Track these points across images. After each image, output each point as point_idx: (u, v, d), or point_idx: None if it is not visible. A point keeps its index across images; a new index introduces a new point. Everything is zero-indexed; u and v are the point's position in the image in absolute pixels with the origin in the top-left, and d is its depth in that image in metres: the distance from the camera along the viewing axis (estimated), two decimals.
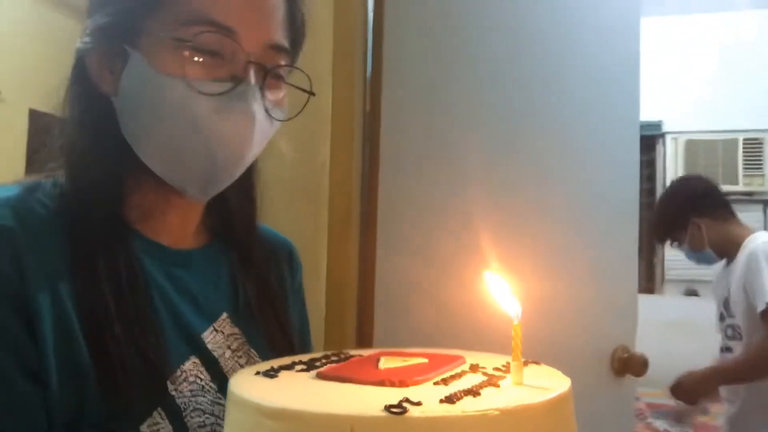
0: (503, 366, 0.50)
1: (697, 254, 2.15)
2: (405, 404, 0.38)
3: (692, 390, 2.00)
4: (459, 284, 1.20)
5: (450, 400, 0.40)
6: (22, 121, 2.15)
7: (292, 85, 0.66)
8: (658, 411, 2.77)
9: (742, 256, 2.02)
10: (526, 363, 0.50)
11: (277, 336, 0.69)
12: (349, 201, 1.06)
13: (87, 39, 0.62)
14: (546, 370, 0.50)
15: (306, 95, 0.66)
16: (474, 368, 0.50)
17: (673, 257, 3.48)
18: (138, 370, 0.55)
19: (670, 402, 2.82)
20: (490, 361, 0.51)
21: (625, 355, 1.60)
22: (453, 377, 0.47)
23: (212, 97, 0.58)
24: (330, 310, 1.05)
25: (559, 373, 0.49)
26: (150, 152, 0.61)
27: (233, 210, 0.72)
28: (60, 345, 0.54)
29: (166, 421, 0.57)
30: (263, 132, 0.62)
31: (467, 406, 0.39)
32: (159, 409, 0.57)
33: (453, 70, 1.26)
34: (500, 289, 0.48)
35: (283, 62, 0.63)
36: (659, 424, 2.67)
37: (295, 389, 0.45)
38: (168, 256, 0.65)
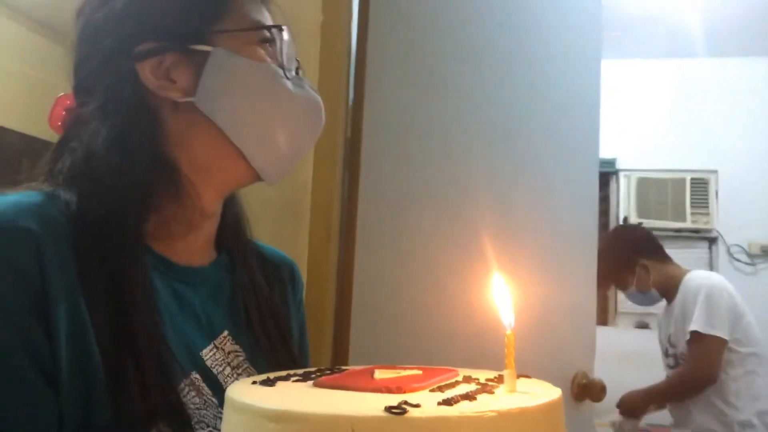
0: (495, 377, 0.52)
1: (642, 296, 2.33)
2: (404, 405, 0.39)
3: (634, 405, 2.23)
4: (438, 305, 1.23)
5: (448, 402, 0.41)
6: None
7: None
8: None
9: (680, 294, 2.24)
10: (517, 376, 0.51)
11: (280, 352, 0.70)
12: (330, 221, 1.09)
13: (138, 52, 0.63)
14: (537, 382, 0.52)
15: None
16: (467, 379, 0.51)
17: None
18: (146, 382, 0.56)
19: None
20: (482, 375, 0.53)
21: (584, 381, 1.66)
22: (448, 386, 0.48)
23: (290, 78, 0.67)
24: (308, 326, 1.06)
25: (549, 384, 0.51)
26: (244, 135, 0.65)
27: (231, 225, 0.74)
28: (73, 349, 0.54)
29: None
30: None
31: (465, 408, 0.40)
32: (164, 420, 0.57)
33: (428, 98, 1.32)
34: (501, 297, 0.50)
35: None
36: None
37: (295, 395, 0.46)
38: (175, 273, 0.66)
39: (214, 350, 0.66)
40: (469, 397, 0.43)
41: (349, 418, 0.38)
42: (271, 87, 0.66)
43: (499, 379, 0.51)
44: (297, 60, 0.70)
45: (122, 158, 0.61)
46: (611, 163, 3.69)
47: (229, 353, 0.67)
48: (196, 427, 0.60)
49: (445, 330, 1.21)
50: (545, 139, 1.63)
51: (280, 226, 1.08)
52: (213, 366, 0.65)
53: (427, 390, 0.46)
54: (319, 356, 1.07)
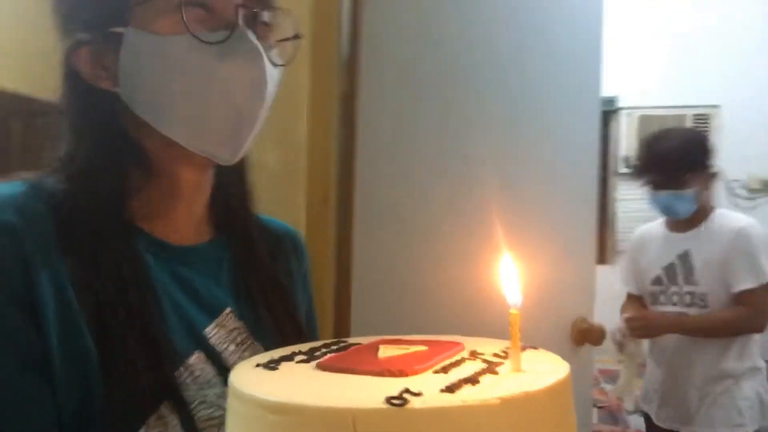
0: (502, 352, 0.50)
1: (684, 203, 2.04)
2: (405, 395, 0.39)
3: (652, 325, 2.08)
4: (435, 267, 1.23)
5: (450, 389, 0.41)
6: None
7: (279, 40, 0.66)
8: (609, 376, 2.91)
9: (718, 233, 2.04)
10: (524, 348, 0.51)
11: (287, 326, 0.69)
12: (327, 183, 1.07)
13: (70, 45, 0.61)
14: (544, 355, 0.51)
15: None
16: (473, 355, 0.50)
17: (625, 229, 3.61)
18: (142, 364, 0.56)
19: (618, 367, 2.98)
20: (488, 347, 0.52)
21: (584, 326, 1.68)
22: (453, 365, 0.47)
23: (216, 45, 0.59)
24: None
25: (558, 357, 0.49)
26: (172, 122, 0.61)
27: (231, 201, 0.72)
28: (64, 340, 0.54)
29: (173, 414, 0.58)
30: (272, 76, 0.62)
31: (467, 395, 0.40)
32: (165, 402, 0.58)
33: (427, 51, 1.27)
34: (509, 275, 0.48)
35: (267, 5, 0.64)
36: (610, 388, 2.81)
37: (296, 382, 0.46)
38: (171, 253, 0.65)
39: (217, 328, 0.65)
40: (472, 380, 0.43)
41: (349, 411, 0.38)
42: (188, 63, 0.59)
43: (506, 354, 0.49)
44: (244, 7, 0.61)
45: (87, 144, 0.61)
46: (612, 101, 3.64)
47: (232, 330, 0.66)
48: (200, 407, 0.60)
49: (447, 294, 1.21)
50: (546, 79, 1.59)
51: (276, 190, 1.06)
52: (216, 344, 0.64)
53: (431, 371, 0.46)
54: (322, 322, 1.08)
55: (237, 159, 0.64)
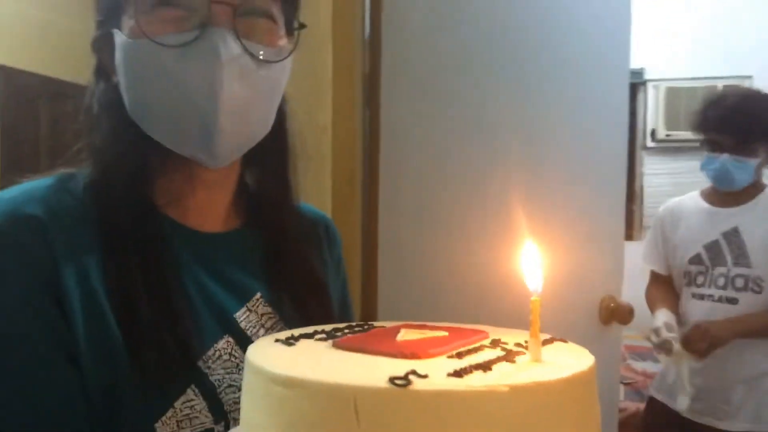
0: (525, 342, 0.47)
1: (743, 172, 1.83)
2: (411, 377, 0.38)
3: (719, 337, 1.76)
4: (462, 247, 1.22)
5: (458, 374, 0.39)
6: None
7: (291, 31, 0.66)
8: (637, 353, 2.89)
9: None
10: (551, 340, 0.49)
11: (317, 312, 0.69)
12: (352, 164, 1.07)
13: (95, 35, 0.64)
14: (571, 348, 0.48)
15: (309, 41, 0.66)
16: (494, 343, 0.48)
17: (652, 204, 3.56)
18: (169, 349, 0.56)
19: (645, 344, 2.92)
20: (513, 337, 0.50)
21: (612, 304, 1.66)
22: (469, 351, 0.45)
23: (179, 48, 0.57)
24: None
25: (585, 351, 0.47)
26: (150, 124, 0.61)
27: (266, 192, 0.71)
28: (90, 327, 0.55)
29: (200, 397, 0.59)
30: (248, 74, 0.60)
31: (475, 381, 0.38)
32: (192, 386, 0.58)
33: (450, 26, 1.25)
34: (531, 262, 0.47)
35: None
36: (638, 365, 2.79)
37: (308, 358, 0.46)
38: (198, 240, 0.66)
39: (248, 313, 0.65)
40: (484, 366, 0.41)
41: (352, 388, 0.38)
42: (150, 67, 0.58)
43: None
44: (217, 3, 0.58)
45: (105, 130, 0.63)
46: (639, 73, 3.55)
47: (262, 315, 0.67)
48: (227, 391, 0.61)
49: (474, 277, 1.20)
50: (574, 53, 1.55)
51: (302, 171, 1.06)
52: (247, 328, 0.64)
53: (445, 356, 0.44)
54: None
55: (223, 163, 0.63)
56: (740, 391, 1.80)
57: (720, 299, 1.85)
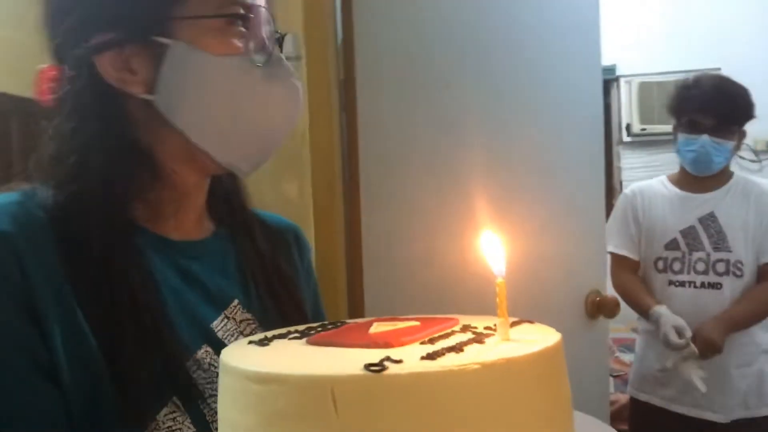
0: (494, 325, 0.48)
1: (720, 155, 1.83)
2: (385, 362, 0.38)
3: (720, 339, 1.74)
4: (445, 243, 1.22)
5: (431, 356, 0.40)
6: None
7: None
8: (624, 345, 2.91)
9: (754, 194, 1.85)
10: (518, 322, 0.51)
11: (293, 316, 0.69)
12: (331, 170, 1.06)
13: (94, 45, 0.59)
14: (538, 328, 0.50)
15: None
16: (465, 328, 0.50)
17: None
18: (149, 362, 0.55)
19: (633, 336, 2.93)
20: (482, 322, 0.51)
21: (598, 298, 1.67)
22: (441, 337, 0.47)
23: (262, 67, 0.61)
24: (320, 279, 1.05)
25: (552, 330, 0.48)
26: (207, 135, 0.61)
27: (227, 196, 0.72)
28: (68, 342, 0.54)
29: (182, 409, 0.58)
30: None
31: (448, 361, 0.39)
32: (174, 398, 0.58)
33: (420, 28, 1.25)
34: (491, 248, 0.48)
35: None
36: (626, 357, 2.81)
37: (283, 355, 0.46)
38: (175, 249, 0.65)
39: (225, 320, 0.65)
40: (456, 348, 0.42)
41: (328, 378, 0.38)
42: (238, 83, 0.61)
43: (497, 327, 0.48)
44: (277, 32, 0.63)
45: (89, 149, 0.59)
46: (611, 69, 3.58)
47: (240, 322, 0.66)
48: (210, 400, 0.60)
49: (458, 273, 1.20)
50: (546, 50, 1.56)
51: (282, 180, 1.05)
52: (224, 337, 0.64)
53: (418, 342, 0.45)
54: (335, 305, 1.07)
55: (253, 172, 0.66)
56: (730, 379, 1.78)
57: (703, 285, 1.84)
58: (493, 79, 1.43)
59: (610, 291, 1.75)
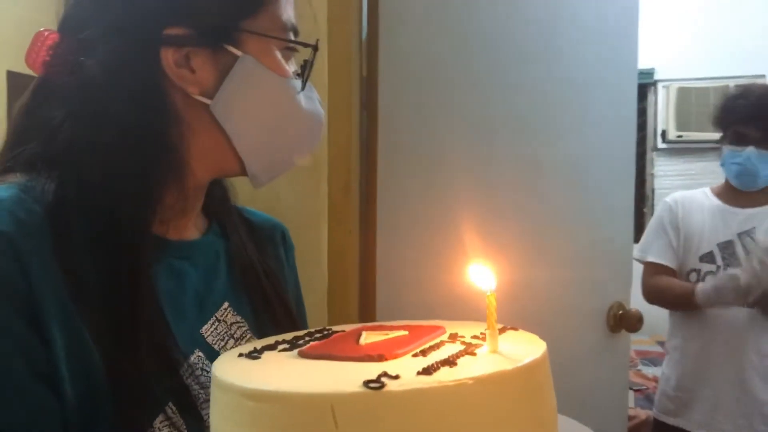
0: (481, 333, 0.51)
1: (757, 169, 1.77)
2: (383, 378, 0.39)
3: None
4: (461, 252, 1.19)
5: (427, 371, 0.41)
6: (1, 83, 2.07)
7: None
8: (648, 358, 2.84)
9: None
10: (503, 329, 0.52)
11: (280, 315, 0.69)
12: (348, 170, 1.04)
13: (162, 37, 0.59)
14: (523, 336, 0.52)
15: None
16: (453, 337, 0.51)
17: None
18: (147, 367, 0.55)
19: (657, 348, 2.85)
20: (469, 330, 0.53)
21: (621, 311, 1.62)
22: (432, 348, 0.48)
23: (301, 92, 0.66)
24: (332, 280, 1.04)
25: (536, 337, 0.50)
26: (249, 144, 0.64)
27: (218, 194, 0.72)
28: (70, 348, 0.53)
29: (178, 415, 0.57)
30: None
31: (443, 376, 0.40)
32: (170, 403, 0.57)
33: (448, 28, 1.22)
34: (478, 268, 0.49)
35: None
36: (648, 371, 2.74)
37: (277, 370, 0.46)
38: (170, 249, 0.64)
39: (216, 323, 0.65)
40: (449, 362, 0.43)
41: (328, 396, 0.38)
42: (287, 104, 0.65)
43: (485, 336, 0.50)
44: (306, 60, 0.67)
45: (128, 144, 0.58)
46: (649, 73, 3.50)
47: (231, 325, 0.66)
48: (204, 406, 0.59)
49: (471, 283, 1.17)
50: (580, 54, 1.51)
51: (298, 178, 1.03)
52: (215, 341, 0.64)
53: (410, 355, 0.46)
54: (346, 310, 1.05)
55: (266, 185, 0.69)
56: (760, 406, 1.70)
57: None
58: (522, 81, 1.38)
59: (633, 303, 1.70)
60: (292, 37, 0.65)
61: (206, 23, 0.60)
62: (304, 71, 0.66)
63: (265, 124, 0.65)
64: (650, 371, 2.71)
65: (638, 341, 2.82)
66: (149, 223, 0.59)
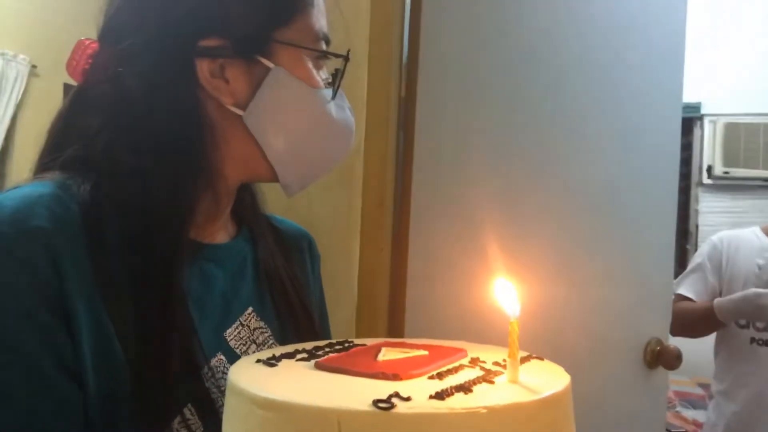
0: (503, 360, 0.49)
1: None
2: (394, 399, 0.38)
3: None
4: (492, 275, 1.17)
5: (440, 396, 0.40)
6: (57, 95, 2.16)
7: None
8: (687, 400, 2.73)
9: None
10: (528, 358, 0.51)
11: (303, 324, 0.70)
12: (383, 187, 1.04)
13: (199, 48, 0.61)
14: (548, 366, 0.50)
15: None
16: (473, 362, 0.50)
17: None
18: (170, 368, 0.55)
19: (698, 391, 2.73)
20: (491, 355, 0.51)
21: (658, 347, 1.57)
22: (449, 372, 0.46)
23: (332, 101, 0.66)
24: (362, 296, 1.03)
25: (561, 369, 0.48)
26: (281, 154, 0.65)
27: (248, 200, 0.73)
28: (96, 345, 0.54)
29: (196, 417, 0.58)
30: None
31: (456, 402, 0.39)
32: (189, 405, 0.57)
33: (487, 52, 1.22)
34: (503, 293, 0.48)
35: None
36: (688, 413, 2.64)
37: (290, 379, 0.46)
38: (201, 252, 0.65)
39: (240, 328, 0.65)
40: (464, 388, 0.42)
41: (335, 411, 0.38)
42: (318, 114, 0.65)
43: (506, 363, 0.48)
44: (337, 69, 0.67)
45: (164, 152, 0.59)
46: (696, 108, 3.43)
47: (254, 330, 0.66)
48: (222, 410, 0.58)
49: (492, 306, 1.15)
50: (624, 84, 1.49)
51: (332, 192, 1.04)
52: (237, 345, 0.64)
53: (426, 377, 0.45)
54: (375, 324, 1.05)
55: (298, 193, 0.69)
56: None
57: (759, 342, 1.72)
58: (565, 108, 1.37)
59: (676, 342, 1.64)
60: (324, 47, 0.65)
61: (239, 34, 0.61)
62: (335, 80, 0.66)
63: (297, 133, 0.65)
64: (690, 414, 2.61)
65: (679, 382, 2.72)
66: (184, 228, 0.60)
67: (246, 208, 0.73)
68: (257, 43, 0.61)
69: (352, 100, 0.71)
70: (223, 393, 0.59)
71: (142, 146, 0.59)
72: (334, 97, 0.66)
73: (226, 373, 0.60)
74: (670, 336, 1.65)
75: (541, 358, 0.51)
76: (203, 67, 0.60)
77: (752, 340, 1.75)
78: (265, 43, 0.62)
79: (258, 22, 0.62)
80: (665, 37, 1.63)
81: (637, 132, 1.54)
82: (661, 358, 1.56)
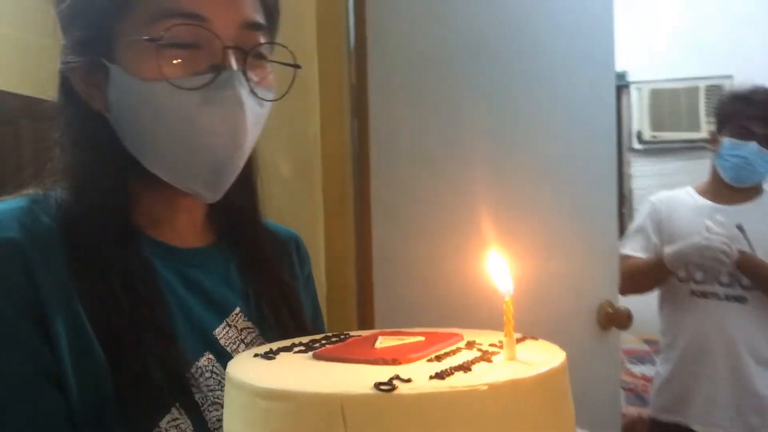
0: (499, 342, 0.49)
1: (764, 166, 1.80)
2: (395, 381, 0.39)
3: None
4: (455, 257, 1.20)
5: (440, 376, 0.40)
6: None
7: (276, 62, 0.64)
8: (635, 356, 2.87)
9: None
10: (523, 339, 0.51)
11: (292, 326, 0.69)
12: (343, 173, 1.04)
13: (69, 58, 0.60)
14: (542, 345, 0.50)
15: (292, 70, 0.64)
16: (470, 345, 0.50)
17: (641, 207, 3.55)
18: (153, 368, 0.55)
19: (644, 347, 2.88)
20: (487, 338, 0.52)
21: (610, 310, 1.64)
22: (447, 354, 0.47)
23: (197, 91, 0.57)
24: (330, 289, 1.04)
25: (556, 347, 0.49)
26: (154, 161, 0.60)
27: (236, 207, 0.70)
28: (75, 349, 0.54)
29: (185, 416, 0.58)
30: (256, 116, 0.61)
31: (457, 381, 0.40)
32: (177, 404, 0.57)
33: (433, 35, 1.23)
34: (497, 268, 0.48)
35: (261, 40, 0.61)
36: (636, 369, 2.78)
37: (290, 370, 0.46)
38: (179, 256, 0.65)
39: (227, 328, 0.65)
40: (464, 368, 0.42)
41: (338, 396, 0.38)
42: (168, 109, 0.58)
43: (502, 344, 0.48)
44: (235, 49, 0.58)
45: (86, 156, 0.61)
46: (622, 76, 3.56)
47: (242, 330, 0.66)
48: (210, 408, 0.59)
49: (467, 286, 1.17)
50: (558, 57, 1.54)
51: (292, 188, 1.03)
52: (227, 345, 0.64)
53: (425, 360, 0.45)
54: (345, 316, 1.05)
55: (220, 197, 0.63)
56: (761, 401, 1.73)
57: (727, 297, 1.80)
58: (507, 84, 1.41)
59: (622, 302, 1.72)
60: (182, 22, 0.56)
61: (80, 36, 0.59)
62: (220, 68, 0.57)
63: (155, 134, 0.59)
64: (638, 369, 2.75)
65: (626, 340, 2.85)
66: (126, 220, 0.61)
67: (227, 217, 0.70)
68: (97, 42, 0.59)
69: (306, 94, 0.69)
70: (211, 392, 0.60)
71: (76, 160, 0.61)
72: (199, 85, 0.57)
73: (215, 372, 0.61)
74: (620, 297, 1.73)
75: (536, 338, 0.52)
76: (75, 77, 0.61)
77: (692, 292, 1.84)
78: (105, 42, 0.58)
79: (94, 19, 0.58)
80: (594, 12, 1.69)
81: (576, 104, 1.59)
82: (614, 320, 1.64)
